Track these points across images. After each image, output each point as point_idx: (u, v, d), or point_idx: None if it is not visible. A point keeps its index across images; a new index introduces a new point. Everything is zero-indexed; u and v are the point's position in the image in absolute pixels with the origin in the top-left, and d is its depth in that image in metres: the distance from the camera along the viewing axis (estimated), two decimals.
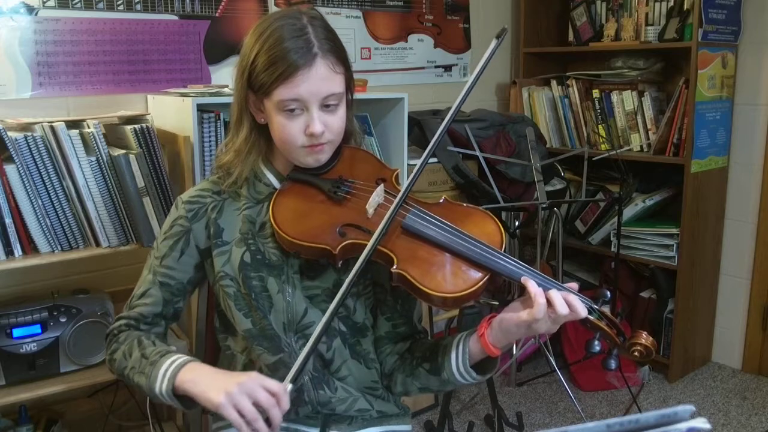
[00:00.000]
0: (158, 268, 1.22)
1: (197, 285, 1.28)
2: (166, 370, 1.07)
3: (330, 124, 1.14)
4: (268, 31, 1.10)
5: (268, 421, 1.01)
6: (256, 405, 1.00)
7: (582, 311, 1.06)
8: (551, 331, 1.08)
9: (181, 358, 1.09)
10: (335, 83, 1.12)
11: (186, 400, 1.08)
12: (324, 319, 1.06)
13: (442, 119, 2.74)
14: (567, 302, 1.05)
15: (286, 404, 1.02)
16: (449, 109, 2.99)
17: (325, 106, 1.13)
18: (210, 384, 1.03)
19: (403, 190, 1.11)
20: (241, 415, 0.99)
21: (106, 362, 1.22)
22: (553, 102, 3.18)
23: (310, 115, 1.11)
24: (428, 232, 1.11)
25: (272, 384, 1.02)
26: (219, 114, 1.98)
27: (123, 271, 2.11)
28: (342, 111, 1.16)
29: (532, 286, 1.06)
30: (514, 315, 1.08)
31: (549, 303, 1.05)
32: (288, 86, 1.09)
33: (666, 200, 2.99)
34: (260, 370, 1.22)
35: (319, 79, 1.10)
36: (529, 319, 1.05)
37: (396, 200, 1.10)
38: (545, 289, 1.06)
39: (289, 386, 1.04)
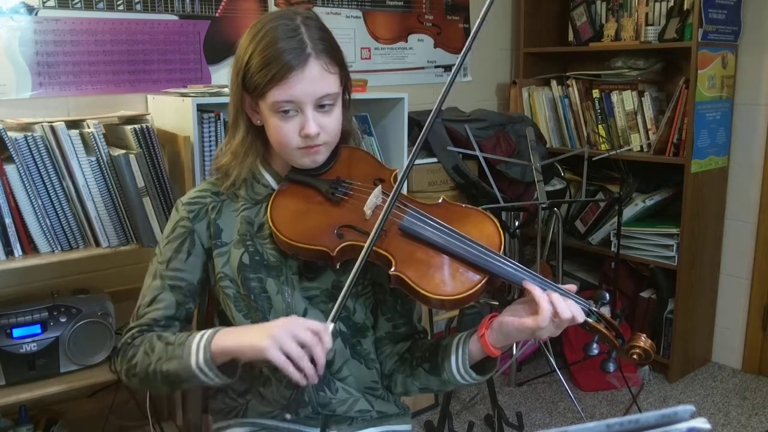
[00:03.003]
0: (165, 272, 1.20)
1: (206, 285, 1.26)
2: (199, 342, 1.07)
3: (325, 125, 1.14)
4: (262, 32, 1.10)
5: (312, 361, 1.03)
6: (301, 345, 1.02)
7: (579, 316, 1.06)
8: (554, 335, 1.08)
9: (211, 330, 1.09)
10: (329, 83, 1.12)
11: (224, 368, 1.08)
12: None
13: (443, 119, 2.74)
14: (564, 308, 1.05)
15: (328, 342, 1.03)
16: (448, 110, 2.97)
17: (320, 107, 1.13)
18: (251, 334, 1.05)
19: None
20: (287, 356, 1.01)
21: (122, 374, 1.18)
22: (553, 102, 3.18)
23: (305, 116, 1.11)
24: (426, 234, 1.11)
25: (314, 323, 1.04)
26: (219, 114, 1.98)
27: (123, 271, 2.11)
28: (337, 111, 1.16)
29: (537, 291, 1.05)
30: (516, 320, 1.07)
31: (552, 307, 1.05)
32: (282, 87, 1.09)
33: (666, 200, 2.99)
34: (260, 371, 1.22)
35: (313, 79, 1.09)
36: (533, 325, 1.05)
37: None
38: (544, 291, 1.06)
39: (331, 325, 1.05)
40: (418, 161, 2.49)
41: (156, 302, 1.20)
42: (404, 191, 1.17)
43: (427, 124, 1.12)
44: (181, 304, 1.21)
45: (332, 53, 1.13)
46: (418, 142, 1.13)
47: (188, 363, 1.07)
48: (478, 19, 1.07)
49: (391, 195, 1.10)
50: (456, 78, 1.11)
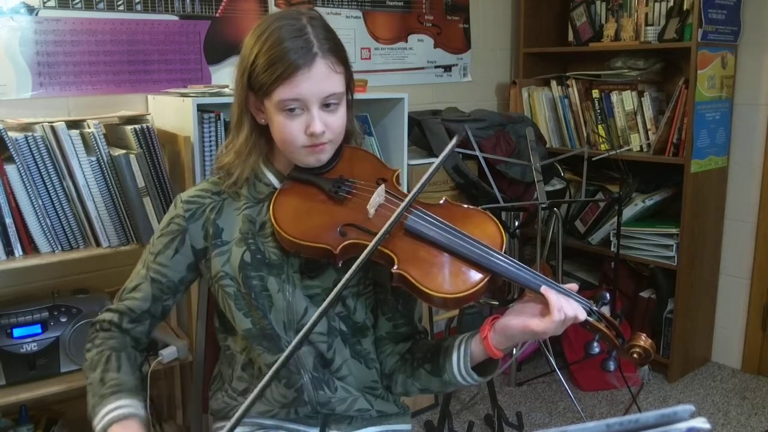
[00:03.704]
0: (152, 264, 1.23)
1: (189, 284, 1.28)
2: (104, 416, 1.09)
3: (330, 124, 1.14)
4: (268, 31, 1.11)
5: None
6: None
7: (582, 314, 1.06)
8: (556, 333, 1.08)
9: (122, 409, 1.09)
10: (335, 83, 1.12)
11: None
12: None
13: (443, 119, 2.75)
14: (569, 306, 1.06)
15: None
16: (448, 110, 2.96)
17: (326, 106, 1.13)
18: None
19: (407, 198, 1.11)
20: None
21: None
22: (553, 102, 3.19)
23: (311, 114, 1.12)
24: (429, 233, 1.11)
25: None
26: (219, 114, 1.98)
27: (123, 271, 2.09)
28: (342, 110, 1.16)
29: (552, 297, 1.05)
30: (519, 323, 1.08)
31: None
32: (288, 86, 1.09)
33: (666, 200, 3.00)
34: (260, 370, 1.22)
35: (319, 78, 1.10)
36: (539, 330, 1.05)
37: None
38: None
39: None
40: (417, 161, 2.49)
41: (136, 290, 1.23)
42: (405, 191, 1.18)
43: (441, 157, 1.11)
44: (158, 298, 1.23)
45: (338, 53, 1.13)
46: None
47: (92, 417, 1.10)
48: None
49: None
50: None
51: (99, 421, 1.09)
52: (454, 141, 1.13)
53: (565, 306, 1.05)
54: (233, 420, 1.00)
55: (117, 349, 1.21)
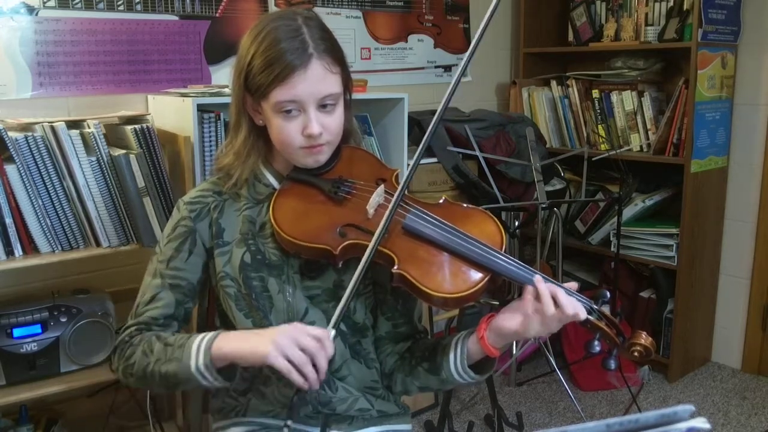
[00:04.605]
0: (166, 271, 1.20)
1: (206, 285, 1.26)
2: (199, 345, 1.08)
3: (327, 125, 1.14)
4: (264, 32, 1.11)
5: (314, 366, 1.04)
6: (303, 351, 1.02)
7: (582, 313, 1.07)
8: (553, 331, 1.08)
9: (211, 333, 1.10)
10: (331, 83, 1.12)
11: (223, 371, 1.09)
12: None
13: (444, 119, 2.75)
14: (569, 304, 1.06)
15: (330, 349, 1.05)
16: (448, 110, 2.97)
17: (322, 107, 1.13)
18: (253, 340, 1.06)
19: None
20: (290, 362, 1.02)
21: (119, 372, 1.18)
22: (553, 102, 3.19)
23: (308, 115, 1.12)
24: (428, 232, 1.11)
25: (316, 330, 1.05)
26: (219, 114, 1.98)
27: (123, 271, 2.11)
28: (339, 111, 1.16)
29: (540, 284, 1.06)
30: (515, 321, 1.09)
31: (556, 303, 1.05)
32: (284, 87, 1.09)
33: (666, 200, 3.00)
34: (260, 370, 1.22)
35: (315, 79, 1.10)
36: (532, 315, 1.06)
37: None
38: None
39: (332, 332, 1.06)
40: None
41: (155, 300, 1.20)
42: (405, 191, 1.18)
43: (430, 128, 1.12)
44: (180, 303, 1.21)
45: (334, 53, 1.13)
46: (421, 145, 1.13)
47: (187, 365, 1.07)
48: (482, 24, 1.07)
49: (396, 194, 1.11)
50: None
51: (196, 358, 1.07)
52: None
53: (561, 295, 1.05)
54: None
55: (158, 331, 1.18)
